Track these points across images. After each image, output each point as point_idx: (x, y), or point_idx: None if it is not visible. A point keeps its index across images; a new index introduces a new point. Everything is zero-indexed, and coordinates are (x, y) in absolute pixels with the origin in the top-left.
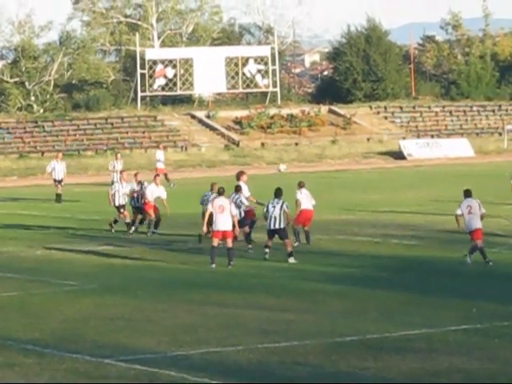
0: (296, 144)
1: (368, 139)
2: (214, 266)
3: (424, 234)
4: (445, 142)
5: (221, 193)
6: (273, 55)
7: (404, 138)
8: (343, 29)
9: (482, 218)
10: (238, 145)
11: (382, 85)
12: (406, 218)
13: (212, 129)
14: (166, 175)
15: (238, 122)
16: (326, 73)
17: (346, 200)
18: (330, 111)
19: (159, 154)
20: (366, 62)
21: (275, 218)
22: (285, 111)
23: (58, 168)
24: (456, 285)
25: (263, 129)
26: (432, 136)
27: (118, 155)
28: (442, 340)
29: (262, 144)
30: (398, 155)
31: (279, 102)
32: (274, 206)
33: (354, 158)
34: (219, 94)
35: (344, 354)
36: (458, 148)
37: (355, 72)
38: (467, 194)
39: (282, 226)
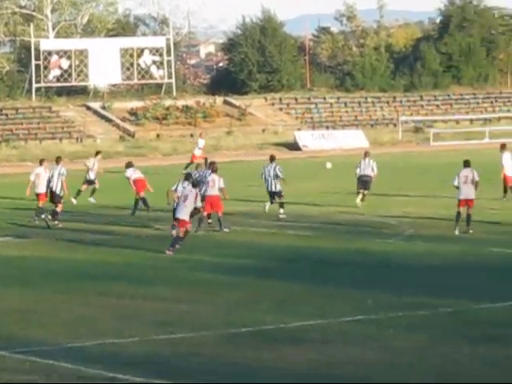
0: (191, 135)
1: (263, 130)
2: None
3: (319, 225)
4: (340, 134)
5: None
6: (168, 46)
7: (299, 130)
8: (238, 20)
9: (476, 186)
10: (133, 136)
11: (277, 76)
12: (301, 208)
13: (107, 120)
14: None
15: (133, 113)
16: (221, 64)
17: (241, 191)
18: (226, 102)
19: (201, 142)
20: (261, 54)
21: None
22: (180, 102)
23: None
24: (351, 275)
25: (158, 120)
26: (327, 127)
27: None
28: (336, 331)
29: (158, 135)
30: (293, 146)
31: (174, 93)
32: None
33: (249, 149)
34: (114, 85)
35: (239, 344)
36: (353, 139)
37: (250, 63)
38: (466, 164)
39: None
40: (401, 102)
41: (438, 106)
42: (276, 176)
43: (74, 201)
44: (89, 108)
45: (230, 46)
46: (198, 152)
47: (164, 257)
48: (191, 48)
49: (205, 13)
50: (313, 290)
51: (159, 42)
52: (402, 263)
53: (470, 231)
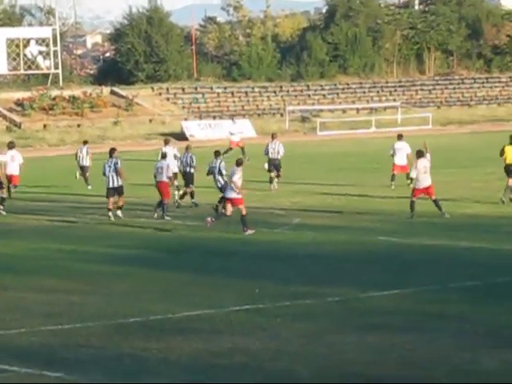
0: (78, 125)
1: (150, 120)
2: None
3: (206, 215)
4: (227, 123)
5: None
6: (54, 36)
7: (186, 119)
8: (125, 10)
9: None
10: (19, 127)
11: (163, 66)
12: (187, 198)
13: None
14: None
15: (19, 103)
16: (108, 54)
17: (128, 181)
18: (112, 92)
19: (236, 128)
20: (148, 44)
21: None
22: (67, 93)
23: None
24: (239, 265)
25: (45, 110)
26: (214, 117)
27: None
28: (224, 320)
29: (44, 126)
30: (181, 136)
31: (61, 83)
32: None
33: (136, 139)
34: (0, 75)
35: (127, 335)
36: (240, 129)
37: (137, 53)
38: (420, 154)
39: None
40: (287, 91)
41: (324, 95)
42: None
43: None
44: None
45: (117, 37)
46: (235, 138)
47: (51, 248)
48: (78, 38)
49: (91, 3)
50: (200, 281)
51: (45, 32)
52: (289, 253)
53: (447, 215)
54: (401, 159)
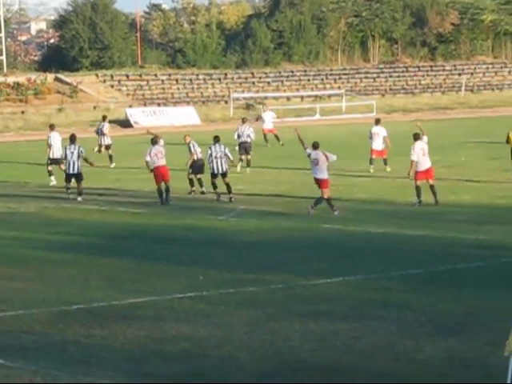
0: (22, 112)
1: (95, 107)
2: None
3: (150, 202)
4: (171, 110)
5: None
6: None
7: (131, 106)
8: None
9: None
10: None
11: (108, 53)
12: (132, 185)
13: None
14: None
15: None
16: (52, 41)
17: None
18: (57, 79)
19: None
20: (93, 30)
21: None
22: (11, 79)
23: None
24: (183, 252)
25: None
26: (159, 104)
27: None
28: (168, 307)
29: None
30: (125, 123)
31: (5, 70)
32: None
33: (80, 126)
34: None
35: (71, 322)
36: (185, 116)
37: (81, 40)
38: (417, 137)
39: None
40: (232, 78)
41: (269, 82)
42: None
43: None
44: None
45: (61, 23)
46: (267, 126)
47: None
48: (22, 25)
49: None
50: (145, 268)
51: None
52: (233, 240)
53: (438, 204)
54: (378, 144)
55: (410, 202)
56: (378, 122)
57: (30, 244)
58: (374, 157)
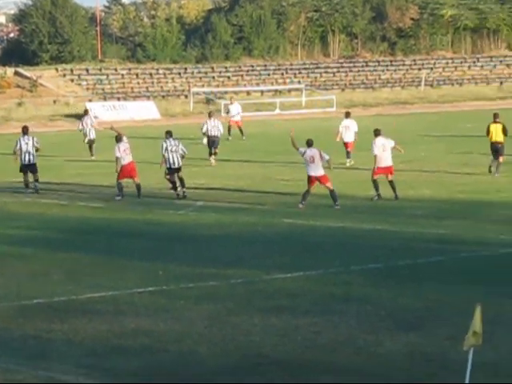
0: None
1: (54, 102)
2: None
3: (110, 197)
4: (131, 105)
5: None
6: None
7: (90, 101)
8: None
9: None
10: None
11: (68, 47)
12: (92, 179)
13: None
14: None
15: None
16: (12, 35)
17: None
18: (16, 73)
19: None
20: (52, 24)
21: None
22: None
23: None
24: (143, 247)
25: None
26: (118, 98)
27: None
28: (128, 302)
29: None
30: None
31: None
32: None
33: (40, 120)
34: None
35: (31, 317)
36: (145, 111)
37: (41, 34)
38: (377, 132)
39: None
40: (192, 73)
41: (229, 77)
42: None
43: None
44: None
45: (21, 17)
46: (235, 118)
47: None
48: None
49: None
50: (105, 262)
51: None
52: (193, 234)
53: (397, 198)
54: (349, 136)
55: (370, 196)
56: (348, 115)
57: None
58: (349, 150)
